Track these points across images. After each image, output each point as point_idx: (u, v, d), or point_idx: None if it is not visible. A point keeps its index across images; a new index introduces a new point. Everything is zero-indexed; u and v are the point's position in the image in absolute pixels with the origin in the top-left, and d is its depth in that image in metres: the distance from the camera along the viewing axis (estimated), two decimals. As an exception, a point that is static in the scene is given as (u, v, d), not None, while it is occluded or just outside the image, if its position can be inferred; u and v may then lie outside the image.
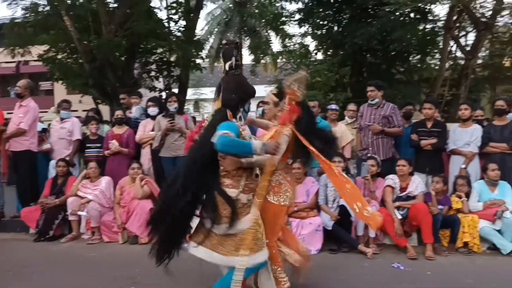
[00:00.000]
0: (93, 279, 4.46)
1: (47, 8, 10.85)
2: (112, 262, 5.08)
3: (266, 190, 3.21)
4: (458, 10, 11.60)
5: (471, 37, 13.14)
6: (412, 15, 11.86)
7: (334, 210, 5.36)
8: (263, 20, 19.45)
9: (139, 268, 4.72)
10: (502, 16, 11.86)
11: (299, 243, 3.81)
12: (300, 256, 3.57)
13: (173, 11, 12.26)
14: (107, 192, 6.13)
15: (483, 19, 11.47)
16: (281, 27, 15.50)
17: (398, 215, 5.25)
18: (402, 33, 10.50)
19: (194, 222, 3.22)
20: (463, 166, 5.85)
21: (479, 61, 13.51)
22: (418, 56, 12.95)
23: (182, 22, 12.48)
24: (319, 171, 5.92)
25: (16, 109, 6.53)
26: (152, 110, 6.59)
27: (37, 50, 11.80)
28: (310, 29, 13.50)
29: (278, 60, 20.32)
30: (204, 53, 14.43)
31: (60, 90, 21.94)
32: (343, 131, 6.14)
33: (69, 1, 10.18)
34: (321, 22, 12.98)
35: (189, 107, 27.19)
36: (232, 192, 3.07)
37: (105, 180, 6.21)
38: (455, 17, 11.94)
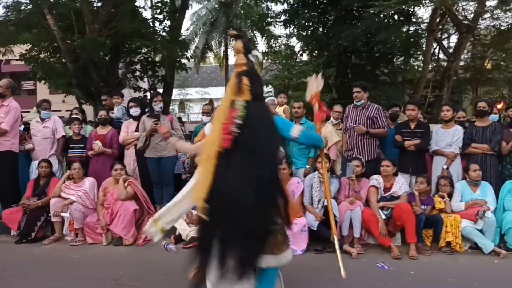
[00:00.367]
0: (77, 281, 4.41)
1: (30, 6, 10.69)
2: (95, 263, 5.03)
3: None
4: (441, 12, 11.76)
5: (454, 39, 13.40)
6: (396, 17, 11.98)
7: (319, 210, 5.38)
8: (249, 21, 19.45)
9: (123, 270, 4.69)
10: (483, 19, 12.07)
11: None
12: None
13: (158, 11, 12.19)
14: (90, 193, 6.07)
15: (465, 22, 11.65)
16: (266, 28, 15.51)
17: (382, 215, 5.30)
18: (386, 35, 10.60)
19: None
20: (445, 166, 5.94)
21: (461, 63, 13.73)
22: (402, 58, 13.09)
23: (167, 22, 12.42)
24: (305, 171, 5.96)
25: (-3, 109, 6.42)
26: (134, 111, 6.53)
27: (19, 49, 11.62)
28: (295, 30, 13.55)
29: (264, 61, 20.38)
30: (189, 53, 14.33)
31: (42, 90, 21.67)
32: (330, 132, 6.18)
33: (52, 0, 10.04)
34: (306, 24, 13.05)
35: (174, 107, 27.05)
36: None
37: (88, 181, 6.14)
38: (438, 20, 12.10)
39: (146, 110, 6.62)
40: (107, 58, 11.17)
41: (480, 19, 11.75)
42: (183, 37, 14.11)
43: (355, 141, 6.04)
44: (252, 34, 22.64)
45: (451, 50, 12.73)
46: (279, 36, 14.55)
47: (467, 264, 4.88)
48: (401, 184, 5.50)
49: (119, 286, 4.27)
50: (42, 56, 11.58)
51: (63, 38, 9.95)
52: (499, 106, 7.44)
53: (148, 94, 12.34)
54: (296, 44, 14.11)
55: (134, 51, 12.03)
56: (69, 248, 5.69)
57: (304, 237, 5.25)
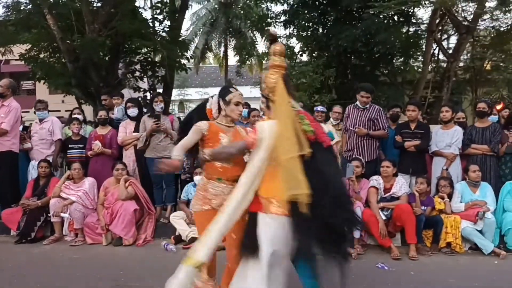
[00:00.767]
0: (76, 282, 4.41)
1: (29, 6, 10.68)
2: (95, 264, 5.02)
3: None
4: (441, 13, 11.77)
5: (453, 40, 13.39)
6: (396, 18, 11.99)
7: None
8: (249, 21, 19.46)
9: (122, 270, 4.70)
10: (483, 20, 12.08)
11: None
12: None
13: (158, 11, 12.18)
14: (90, 194, 6.07)
15: (465, 23, 11.65)
16: (266, 28, 15.51)
17: (382, 215, 5.30)
18: (386, 36, 10.60)
19: None
20: (445, 167, 5.94)
21: (461, 64, 13.72)
22: (402, 59, 13.09)
23: (167, 22, 12.41)
24: None
25: (-2, 109, 6.41)
26: (132, 111, 6.51)
27: (19, 49, 11.59)
28: (295, 31, 13.55)
29: (264, 61, 20.38)
30: (189, 53, 14.33)
31: (42, 90, 21.64)
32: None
33: (51, 0, 10.03)
34: (306, 24, 13.04)
35: (174, 107, 27.04)
36: None
37: (88, 181, 6.14)
38: (437, 21, 12.11)
39: (145, 110, 6.62)
40: (106, 58, 11.16)
41: (479, 20, 11.76)
42: (183, 37, 14.11)
43: (355, 142, 6.03)
44: (252, 35, 22.67)
45: (450, 51, 12.74)
46: (279, 37, 14.54)
47: (467, 264, 4.89)
48: (401, 185, 5.50)
49: (119, 286, 4.27)
50: (41, 56, 11.56)
51: (63, 38, 9.93)
52: (499, 107, 7.43)
53: (148, 94, 12.33)
54: (296, 45, 14.11)
55: (134, 51, 12.02)
56: (68, 248, 5.68)
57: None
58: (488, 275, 4.52)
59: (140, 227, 5.98)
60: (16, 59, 12.98)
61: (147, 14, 12.46)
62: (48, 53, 11.60)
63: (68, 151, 6.67)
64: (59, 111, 17.07)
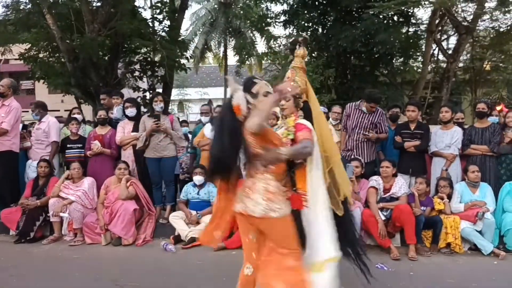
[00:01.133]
0: (75, 281, 4.42)
1: (29, 6, 10.66)
2: (94, 264, 5.03)
3: None
4: (440, 14, 11.77)
5: (453, 40, 13.38)
6: (395, 18, 11.98)
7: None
8: (248, 21, 19.43)
9: (122, 270, 4.70)
10: (483, 20, 12.07)
11: None
12: None
13: (158, 11, 12.16)
14: (90, 193, 6.07)
15: (465, 23, 11.65)
16: (266, 28, 15.50)
17: (382, 216, 5.30)
18: (385, 36, 10.59)
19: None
20: (444, 168, 5.95)
21: (461, 65, 13.73)
22: (401, 59, 13.08)
23: (167, 22, 12.39)
24: None
25: (-2, 109, 6.40)
26: (131, 111, 6.49)
27: (18, 48, 11.58)
28: (295, 31, 13.53)
29: (263, 61, 20.37)
30: (188, 53, 14.31)
31: (41, 90, 21.62)
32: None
33: (51, -1, 10.02)
34: (306, 24, 13.03)
35: (173, 107, 27.03)
36: None
37: (88, 181, 6.14)
38: (437, 21, 12.11)
39: (145, 110, 6.61)
40: (106, 58, 11.14)
41: (479, 20, 11.75)
42: (183, 37, 14.08)
43: (354, 143, 6.03)
44: (251, 35, 22.65)
45: (450, 51, 12.73)
46: (279, 37, 14.54)
47: (466, 265, 4.89)
48: (401, 185, 5.50)
49: (118, 286, 4.27)
50: (41, 55, 11.55)
51: (62, 38, 9.92)
52: (498, 108, 7.44)
53: (148, 94, 12.33)
54: (297, 44, 14.08)
55: (133, 51, 12.00)
56: (68, 248, 5.68)
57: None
58: (488, 276, 4.52)
59: (139, 227, 5.98)
60: (15, 59, 12.94)
61: (146, 14, 12.48)
62: (47, 52, 11.58)
63: (66, 151, 6.68)
64: (59, 110, 17.09)
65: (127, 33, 10.42)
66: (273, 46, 14.81)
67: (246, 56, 21.03)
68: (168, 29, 12.33)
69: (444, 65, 13.19)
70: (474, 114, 6.47)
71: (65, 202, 5.93)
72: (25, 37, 10.88)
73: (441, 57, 13.72)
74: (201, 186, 5.99)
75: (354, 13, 11.98)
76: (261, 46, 30.38)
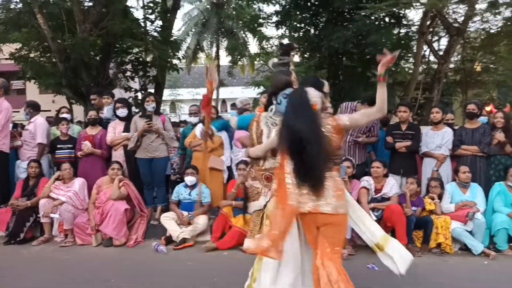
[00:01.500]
0: (66, 283, 4.38)
1: (20, 5, 10.58)
2: (85, 265, 5.00)
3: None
4: (432, 15, 11.83)
5: (444, 42, 13.46)
6: (387, 19, 12.03)
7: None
8: (240, 22, 19.46)
9: (113, 271, 4.67)
10: (473, 22, 12.16)
11: None
12: None
13: (150, 11, 12.13)
14: (80, 194, 6.03)
15: (456, 25, 11.74)
16: (258, 29, 15.53)
17: (373, 216, 5.30)
18: (377, 37, 10.63)
19: None
20: (435, 168, 5.99)
21: (451, 66, 13.82)
22: (393, 60, 13.13)
23: (159, 22, 12.36)
24: None
25: (-12, 109, 6.34)
26: (121, 112, 6.47)
27: (9, 48, 11.50)
28: (287, 32, 13.57)
29: (256, 62, 20.41)
30: (180, 53, 14.29)
31: (32, 90, 21.47)
32: None
33: (42, -1, 9.95)
34: (298, 25, 13.06)
35: (165, 108, 26.95)
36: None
37: (78, 182, 6.10)
38: (428, 22, 12.18)
39: (138, 110, 6.58)
40: (97, 58, 11.09)
41: (470, 22, 11.85)
42: (175, 37, 14.06)
43: (346, 144, 6.05)
44: (244, 35, 22.66)
45: (441, 53, 12.81)
46: (271, 37, 14.58)
47: (456, 265, 4.92)
48: (392, 186, 5.53)
49: (109, 287, 4.24)
50: (32, 55, 11.49)
51: (54, 38, 9.86)
52: (488, 108, 7.50)
53: (139, 94, 12.29)
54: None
55: (125, 51, 11.95)
56: (58, 249, 5.64)
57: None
58: (478, 276, 4.55)
59: (131, 228, 5.96)
60: (6, 59, 12.86)
61: (138, 14, 12.41)
62: (38, 52, 11.53)
63: (56, 151, 6.60)
64: (49, 111, 16.91)
65: (118, 33, 10.39)
66: (266, 46, 14.84)
67: (239, 57, 21.07)
68: (160, 29, 12.30)
69: (435, 66, 13.27)
70: (465, 115, 6.51)
71: (56, 202, 5.89)
72: (16, 36, 10.80)
73: (432, 58, 13.79)
74: (192, 187, 5.97)
75: (346, 14, 12.02)
76: (253, 46, 30.40)
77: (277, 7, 13.58)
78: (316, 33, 12.72)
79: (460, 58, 14.00)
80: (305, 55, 13.61)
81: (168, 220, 5.82)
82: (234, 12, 21.00)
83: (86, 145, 6.28)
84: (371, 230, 3.27)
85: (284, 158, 2.85)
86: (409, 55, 13.44)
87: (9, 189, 6.42)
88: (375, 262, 4.80)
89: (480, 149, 5.86)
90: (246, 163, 5.30)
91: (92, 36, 9.80)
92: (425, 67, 13.93)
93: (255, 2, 14.50)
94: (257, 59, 16.09)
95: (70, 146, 6.58)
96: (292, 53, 3.55)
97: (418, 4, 10.31)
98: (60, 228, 5.95)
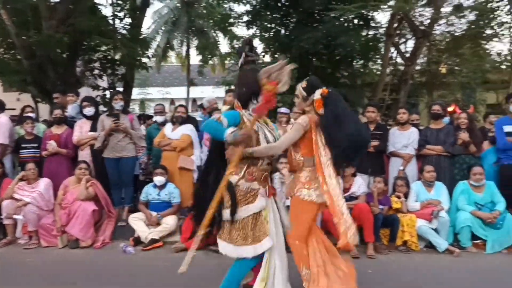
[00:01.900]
0: (30, 286, 4.28)
1: (-18, 0, 10.25)
2: (50, 267, 4.88)
3: (226, 180, 3.21)
4: (399, 18, 12.07)
5: (410, 44, 13.75)
6: (356, 21, 12.20)
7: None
8: (211, 21, 19.36)
9: (79, 273, 4.58)
10: (439, 25, 12.48)
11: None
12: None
13: (118, 8, 11.95)
14: (46, 195, 5.88)
15: (422, 27, 12.01)
16: (229, 28, 15.49)
17: (342, 215, 5.38)
18: (346, 39, 10.78)
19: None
20: (401, 167, 6.11)
21: (418, 68, 14.11)
22: (361, 61, 13.35)
23: (128, 20, 12.20)
24: None
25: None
26: (89, 110, 6.35)
27: (-29, 44, 11.13)
28: (258, 32, 13.58)
29: (226, 61, 20.33)
30: (150, 52, 14.13)
31: (-5, 88, 20.77)
32: None
33: (6, -6, 9.65)
34: (268, 25, 13.10)
35: (134, 106, 26.54)
36: (233, 178, 3.19)
37: (44, 182, 5.95)
38: (395, 25, 12.43)
39: (106, 109, 6.47)
40: (64, 55, 10.83)
41: (435, 25, 12.14)
42: (144, 35, 13.89)
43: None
44: (214, 34, 22.55)
45: (408, 55, 13.09)
46: (242, 37, 14.56)
47: (422, 262, 5.03)
48: (360, 185, 5.61)
49: (75, 290, 4.16)
50: (-5, 52, 11.14)
51: (18, 34, 9.58)
52: (450, 109, 7.71)
53: (108, 93, 12.07)
54: (259, 46, 14.15)
55: (93, 49, 11.73)
56: (22, 251, 5.49)
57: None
58: (443, 272, 4.66)
59: (98, 228, 5.85)
60: (-32, 55, 12.40)
61: (107, 11, 12.21)
62: (2, 49, 11.18)
63: (21, 151, 6.40)
64: (14, 109, 16.40)
65: (86, 30, 10.19)
66: (236, 46, 14.81)
67: (209, 56, 20.96)
68: (129, 27, 12.14)
69: (402, 68, 13.54)
70: (430, 115, 6.67)
71: (20, 203, 5.73)
72: (-22, 32, 10.44)
73: (399, 60, 14.07)
74: (161, 187, 5.91)
75: (316, 15, 12.13)
76: (224, 46, 30.33)
77: (248, 7, 13.59)
78: (287, 33, 12.79)
79: (426, 60, 14.32)
80: (276, 55, 13.65)
81: (137, 221, 5.75)
82: (204, 11, 20.87)
83: (51, 145, 6.13)
84: None
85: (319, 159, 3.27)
86: (377, 56, 13.66)
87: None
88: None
89: (445, 149, 6.01)
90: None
91: (58, 33, 9.56)
92: (392, 68, 14.19)
93: (225, 1, 14.46)
94: (228, 58, 16.01)
95: (35, 145, 6.39)
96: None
97: (385, 6, 10.49)
98: (24, 230, 5.79)
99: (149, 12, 23.77)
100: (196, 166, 6.22)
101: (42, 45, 9.32)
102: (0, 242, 5.71)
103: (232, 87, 13.83)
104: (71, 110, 6.74)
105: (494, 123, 6.47)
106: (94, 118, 6.26)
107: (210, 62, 23.41)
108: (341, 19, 10.95)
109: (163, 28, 24.55)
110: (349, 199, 5.54)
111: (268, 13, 12.67)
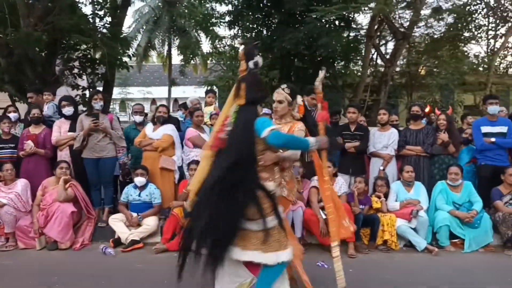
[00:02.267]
0: (7, 289, 4.18)
1: (-43, -4, 10.00)
2: (28, 269, 4.79)
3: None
4: (379, 20, 12.22)
5: (391, 46, 13.93)
6: (337, 23, 12.28)
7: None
8: (193, 21, 19.25)
9: (58, 275, 4.50)
10: (418, 27, 12.68)
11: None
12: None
13: (99, 7, 11.78)
14: (23, 196, 5.77)
15: (402, 29, 12.18)
16: (211, 28, 15.43)
17: (323, 215, 5.41)
18: (327, 40, 10.83)
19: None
20: (382, 168, 6.18)
21: (397, 69, 14.30)
22: (342, 63, 13.43)
23: (108, 19, 12.02)
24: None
25: None
26: (68, 110, 6.24)
27: None
28: (240, 32, 13.57)
29: (208, 61, 20.26)
30: (131, 51, 13.97)
31: (-29, 86, 20.30)
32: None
33: (-18, -10, 9.44)
34: (250, 26, 13.08)
35: (115, 106, 26.27)
36: (270, 185, 3.11)
37: (21, 183, 5.84)
38: (376, 27, 12.57)
39: (85, 109, 6.38)
40: (43, 54, 10.64)
41: (415, 27, 12.33)
42: (125, 34, 13.72)
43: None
44: (196, 34, 22.46)
45: (388, 56, 13.25)
46: (224, 37, 14.53)
47: (402, 261, 5.11)
48: (341, 185, 5.66)
49: (54, 292, 4.10)
50: (-30, 49, 10.87)
51: (-5, 32, 9.39)
52: (426, 109, 7.84)
53: (87, 92, 11.90)
54: (241, 46, 14.14)
55: (72, 48, 11.52)
56: (-1, 254, 5.37)
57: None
58: (422, 271, 4.74)
59: (77, 230, 5.77)
60: None
61: (87, 10, 12.04)
62: (-22, 46, 10.92)
63: (-3, 151, 6.28)
64: (-9, 108, 16.11)
65: (65, 28, 10.01)
66: (218, 46, 14.78)
67: (191, 56, 20.84)
68: (109, 25, 11.96)
69: (382, 69, 13.69)
70: (409, 116, 6.78)
71: (-4, 205, 5.61)
72: (-47, 29, 10.18)
73: (379, 61, 14.23)
74: (142, 187, 5.86)
75: (297, 16, 12.16)
76: (206, 46, 30.23)
77: (230, 7, 13.56)
78: (269, 34, 12.80)
79: (405, 62, 14.51)
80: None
81: (117, 222, 5.69)
82: (186, 11, 20.74)
83: (29, 145, 6.01)
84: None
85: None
86: (358, 58, 13.78)
87: None
88: (324, 260, 4.90)
89: (424, 149, 6.11)
90: (197, 163, 5.24)
91: (37, 31, 9.39)
92: (373, 70, 14.34)
93: (207, 1, 14.40)
94: (210, 58, 15.94)
95: (12, 145, 6.26)
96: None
97: (366, 8, 10.59)
98: (0, 232, 5.66)
99: (130, 11, 23.61)
100: (177, 167, 6.18)
101: (20, 43, 9.13)
102: (-24, 244, 5.59)
103: (214, 87, 13.87)
104: (47, 109, 6.62)
105: (472, 124, 6.59)
106: (73, 118, 6.16)
107: (192, 62, 23.28)
108: (323, 20, 11.01)
109: (144, 27, 24.36)
110: (330, 199, 5.57)
111: (250, 13, 12.65)
